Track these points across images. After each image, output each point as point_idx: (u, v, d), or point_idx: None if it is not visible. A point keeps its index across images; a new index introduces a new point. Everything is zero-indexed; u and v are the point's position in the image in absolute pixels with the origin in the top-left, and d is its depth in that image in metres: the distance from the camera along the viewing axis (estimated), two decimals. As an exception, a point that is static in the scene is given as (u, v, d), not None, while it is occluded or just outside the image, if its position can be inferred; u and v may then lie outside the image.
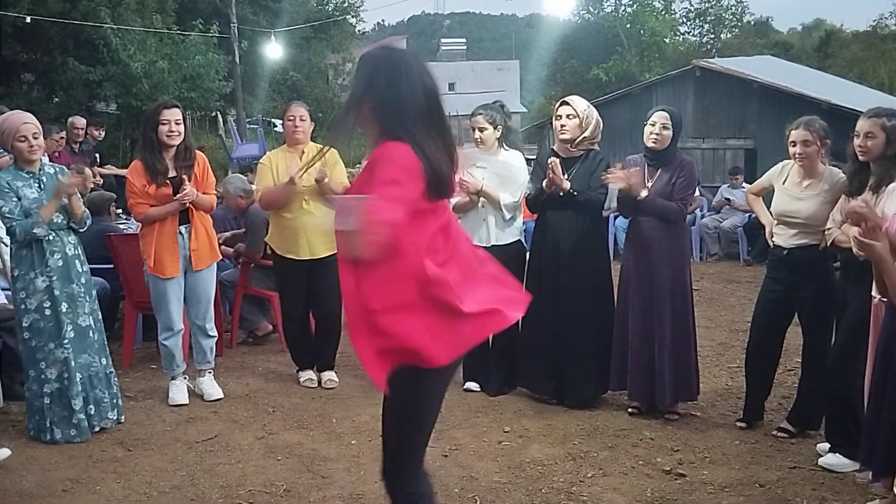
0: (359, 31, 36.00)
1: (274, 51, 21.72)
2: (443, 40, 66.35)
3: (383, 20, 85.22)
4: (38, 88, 16.92)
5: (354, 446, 4.24)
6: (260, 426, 4.53)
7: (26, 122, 4.12)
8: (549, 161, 4.61)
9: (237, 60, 19.62)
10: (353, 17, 31.21)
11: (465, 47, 62.79)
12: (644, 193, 4.42)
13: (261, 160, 5.40)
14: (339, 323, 5.25)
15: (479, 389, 5.06)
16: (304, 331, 5.35)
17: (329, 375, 5.29)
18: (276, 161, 5.10)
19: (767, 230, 4.32)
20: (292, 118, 5.10)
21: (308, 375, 5.31)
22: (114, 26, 14.94)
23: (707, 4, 37.94)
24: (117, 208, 7.35)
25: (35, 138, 4.13)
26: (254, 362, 5.77)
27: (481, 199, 4.86)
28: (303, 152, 5.07)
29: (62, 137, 7.97)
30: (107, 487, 3.76)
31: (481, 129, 4.87)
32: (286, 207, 4.99)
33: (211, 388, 4.97)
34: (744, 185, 10.65)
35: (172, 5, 17.63)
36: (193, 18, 17.20)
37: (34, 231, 4.09)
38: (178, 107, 4.76)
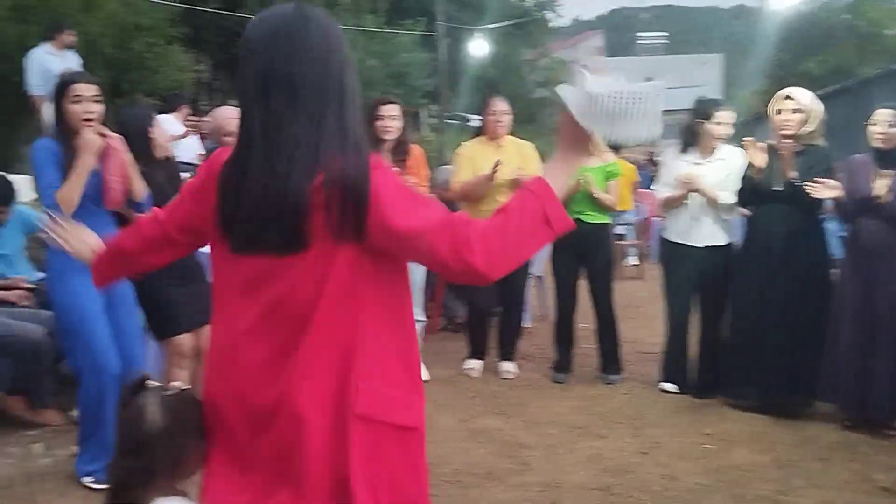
0: (554, 26, 35.89)
1: (479, 48, 22.17)
2: (639, 34, 64.88)
3: (580, 15, 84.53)
4: (259, 84, 18.16)
5: (552, 435, 4.32)
6: (462, 409, 4.71)
7: (230, 117, 4.51)
8: (782, 143, 4.39)
9: (444, 57, 20.18)
10: (552, 12, 31.17)
11: (663, 41, 61.08)
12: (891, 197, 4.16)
13: (457, 151, 5.57)
14: (522, 314, 5.53)
15: (676, 391, 4.99)
16: (486, 321, 5.52)
17: (507, 366, 5.42)
18: (472, 153, 5.27)
19: None
20: (493, 112, 5.24)
21: (474, 364, 5.46)
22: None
23: (938, -9, 34.71)
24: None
25: None
26: (453, 349, 5.97)
27: (691, 197, 4.79)
28: (500, 146, 5.21)
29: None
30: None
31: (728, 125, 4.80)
32: (482, 200, 5.15)
33: (417, 370, 5.22)
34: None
35: (384, 5, 18.37)
36: (403, 18, 17.90)
37: None
38: (395, 103, 5.02)
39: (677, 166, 4.85)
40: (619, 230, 10.40)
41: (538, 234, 1.55)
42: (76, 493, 3.48)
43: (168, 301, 3.96)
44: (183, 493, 1.72)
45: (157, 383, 1.77)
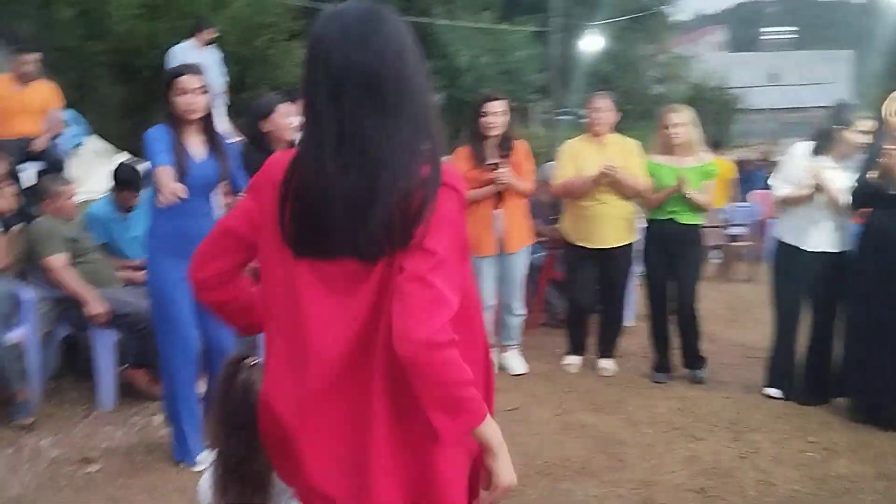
0: (675, 20, 35.11)
1: (592, 44, 21.96)
2: (763, 29, 62.61)
3: (703, 9, 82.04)
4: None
5: (649, 435, 4.31)
6: (557, 403, 4.75)
7: None
8: (884, 148, 4.21)
9: (556, 53, 20.12)
10: (672, 6, 30.46)
11: (790, 36, 58.72)
12: None
13: (560, 147, 5.59)
14: (623, 312, 5.54)
15: (780, 397, 4.87)
16: (586, 318, 5.52)
17: (606, 363, 5.41)
18: (576, 150, 5.28)
19: None
20: (594, 109, 5.24)
21: (573, 360, 5.47)
22: (446, 23, 16.10)
23: None
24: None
25: None
26: (553, 344, 6.00)
27: (815, 198, 4.64)
28: (603, 143, 5.20)
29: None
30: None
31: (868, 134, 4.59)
32: (582, 197, 5.16)
33: (515, 362, 5.31)
34: None
35: (499, 1, 18.46)
36: (517, 14, 17.94)
37: None
38: (500, 99, 5.09)
39: (805, 166, 4.70)
40: (732, 231, 10.16)
41: (445, 411, 1.50)
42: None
43: None
44: None
45: (257, 360, 1.89)
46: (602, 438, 4.24)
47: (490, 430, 1.56)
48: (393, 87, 1.51)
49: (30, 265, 4.64)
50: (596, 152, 5.10)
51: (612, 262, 5.20)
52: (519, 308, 5.32)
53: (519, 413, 4.59)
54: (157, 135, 3.50)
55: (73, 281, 4.52)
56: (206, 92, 3.57)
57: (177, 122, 3.54)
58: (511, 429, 4.32)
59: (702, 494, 3.60)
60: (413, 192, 1.50)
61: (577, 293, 5.43)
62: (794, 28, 62.08)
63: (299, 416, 1.59)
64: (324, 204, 1.52)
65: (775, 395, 4.87)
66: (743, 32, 68.09)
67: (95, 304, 4.46)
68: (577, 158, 5.16)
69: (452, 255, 1.53)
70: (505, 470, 1.59)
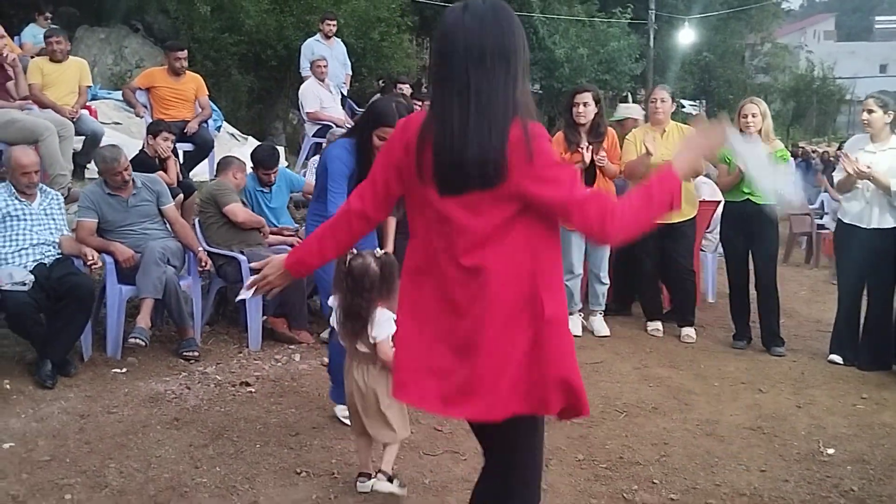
0: (784, 8, 34.44)
1: (685, 37, 22.02)
2: (877, 18, 60.19)
3: (813, -4, 79.28)
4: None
5: (717, 387, 4.90)
6: (638, 360, 5.39)
7: None
8: None
9: (650, 44, 20.35)
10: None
11: (905, 25, 56.33)
12: None
13: (626, 137, 6.15)
14: (695, 280, 6.06)
15: (841, 362, 5.36)
16: (656, 286, 6.13)
17: (687, 331, 5.96)
18: (639, 137, 5.87)
19: None
20: (654, 100, 5.88)
21: (655, 326, 6.06)
22: (543, 16, 16.67)
23: None
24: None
25: None
26: (640, 314, 6.59)
27: (863, 182, 5.12)
28: (664, 131, 5.80)
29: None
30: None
31: (869, 112, 5.10)
32: (645, 177, 5.71)
33: (600, 325, 5.97)
34: None
35: (595, -7, 18.84)
36: (613, 5, 18.31)
37: None
38: (589, 91, 5.74)
39: (854, 153, 5.19)
40: (820, 221, 10.47)
41: (661, 212, 2.05)
42: (326, 386, 4.50)
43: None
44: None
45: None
46: (675, 388, 4.86)
47: (682, 172, 2.19)
48: (514, 59, 1.93)
49: (200, 226, 5.58)
50: (657, 140, 5.68)
51: (674, 235, 5.75)
52: (605, 277, 5.96)
53: (602, 366, 5.25)
54: (339, 161, 3.74)
55: (248, 215, 5.63)
56: None
57: (368, 153, 3.67)
58: (594, 378, 5.00)
59: (758, 432, 4.19)
60: (524, 140, 1.90)
61: (646, 265, 6.03)
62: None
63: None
64: (459, 151, 1.90)
65: (837, 361, 5.38)
66: (856, 21, 65.68)
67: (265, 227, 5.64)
68: (640, 146, 5.75)
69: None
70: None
